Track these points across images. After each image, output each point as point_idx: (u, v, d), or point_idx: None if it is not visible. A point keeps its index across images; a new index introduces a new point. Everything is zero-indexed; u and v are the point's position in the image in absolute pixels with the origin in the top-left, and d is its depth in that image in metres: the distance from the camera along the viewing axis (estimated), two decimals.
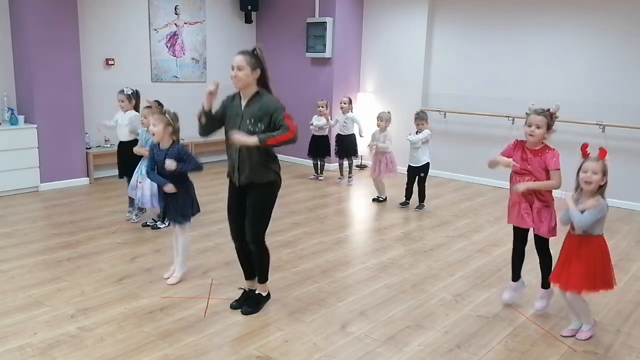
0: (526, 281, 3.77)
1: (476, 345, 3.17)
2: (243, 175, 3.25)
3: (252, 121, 3.16)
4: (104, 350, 2.97)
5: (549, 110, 3.37)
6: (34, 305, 3.50)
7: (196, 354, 2.97)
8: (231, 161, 3.31)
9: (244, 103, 3.23)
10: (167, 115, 3.75)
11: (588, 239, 3.12)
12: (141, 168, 4.93)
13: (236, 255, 3.54)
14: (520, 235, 3.59)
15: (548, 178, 3.35)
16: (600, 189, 3.08)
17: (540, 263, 3.57)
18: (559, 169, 3.31)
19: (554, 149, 3.37)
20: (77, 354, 2.93)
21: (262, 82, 3.27)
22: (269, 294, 3.58)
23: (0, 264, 4.18)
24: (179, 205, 3.82)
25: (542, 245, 3.51)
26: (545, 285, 3.57)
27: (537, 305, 3.59)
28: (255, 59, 3.21)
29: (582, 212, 3.05)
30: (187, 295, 3.72)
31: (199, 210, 3.96)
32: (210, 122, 3.30)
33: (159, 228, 5.09)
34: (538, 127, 3.32)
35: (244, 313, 3.42)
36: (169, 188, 3.76)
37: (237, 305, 3.55)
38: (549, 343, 3.22)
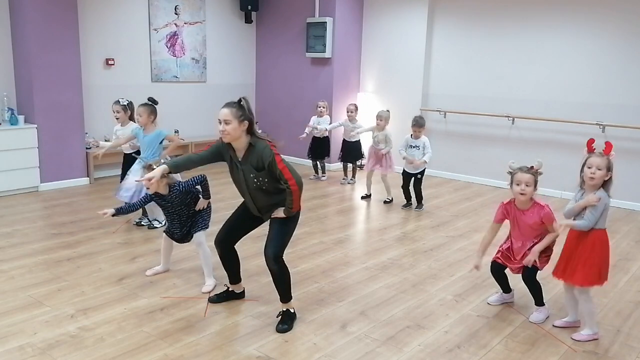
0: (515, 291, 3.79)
1: (476, 345, 3.17)
2: (266, 213, 3.30)
3: (255, 175, 3.15)
4: (104, 350, 2.97)
5: (532, 167, 3.35)
6: (34, 305, 3.50)
7: (196, 354, 2.97)
8: (249, 202, 3.33)
9: (240, 156, 3.19)
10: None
11: (588, 232, 3.13)
12: (135, 164, 4.95)
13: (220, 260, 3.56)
14: (499, 266, 3.60)
15: (538, 233, 3.37)
16: (605, 184, 3.09)
17: (530, 291, 3.52)
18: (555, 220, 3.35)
19: (543, 205, 3.36)
20: (77, 354, 2.93)
21: (251, 130, 3.20)
22: (295, 313, 3.41)
23: (0, 264, 4.18)
24: (202, 218, 3.89)
25: (529, 276, 3.45)
26: (539, 304, 3.54)
27: (535, 317, 3.51)
28: (242, 110, 3.13)
29: (581, 210, 3.09)
30: (187, 295, 3.72)
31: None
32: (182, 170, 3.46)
33: (156, 227, 5.09)
34: (527, 185, 3.31)
35: (279, 331, 3.25)
36: (204, 204, 3.88)
37: (216, 299, 3.61)
38: (549, 343, 3.22)
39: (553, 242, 3.40)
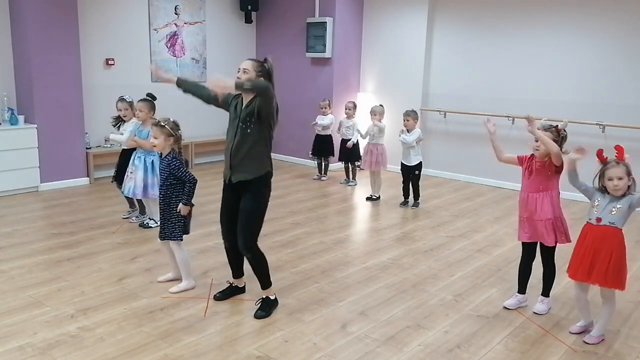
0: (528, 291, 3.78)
1: (476, 345, 3.17)
2: (236, 172, 3.28)
3: (245, 120, 3.21)
4: (104, 350, 2.97)
5: (556, 126, 3.38)
6: (34, 305, 3.50)
7: (196, 354, 2.97)
8: (226, 157, 3.33)
9: (244, 106, 3.28)
10: (166, 126, 3.63)
11: (614, 231, 3.06)
12: (134, 158, 4.95)
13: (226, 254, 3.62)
14: (528, 249, 3.59)
15: (550, 185, 3.40)
16: (629, 189, 3.06)
17: (544, 274, 3.57)
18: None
19: None
20: (77, 354, 2.93)
21: None
22: (276, 299, 3.55)
23: (0, 264, 4.18)
24: (176, 226, 3.68)
25: (548, 256, 3.51)
26: (546, 293, 3.58)
27: (538, 308, 3.58)
28: (262, 67, 3.26)
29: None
30: (187, 295, 3.72)
31: (187, 232, 3.78)
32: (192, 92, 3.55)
33: (150, 227, 5.08)
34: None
35: (257, 317, 3.39)
36: (185, 211, 3.62)
37: (220, 296, 3.64)
38: (549, 343, 3.22)
39: (557, 199, 3.43)
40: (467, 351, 3.10)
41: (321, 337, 3.20)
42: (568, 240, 3.44)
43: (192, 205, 3.69)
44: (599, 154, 3.11)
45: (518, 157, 3.61)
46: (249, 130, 3.21)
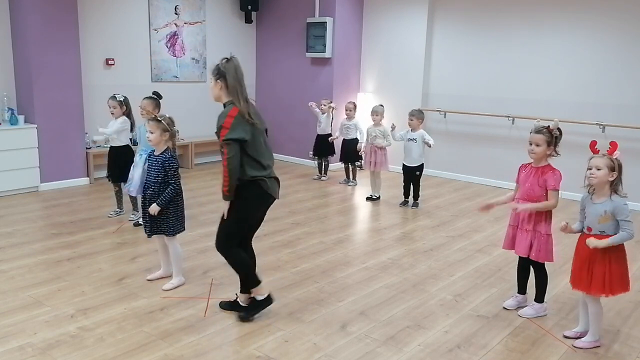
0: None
1: (476, 345, 3.17)
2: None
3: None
4: (104, 350, 2.97)
5: (548, 127, 3.37)
6: (34, 305, 3.50)
7: (196, 354, 2.97)
8: None
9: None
10: (162, 121, 3.66)
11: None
12: (140, 153, 4.95)
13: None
14: (524, 262, 3.60)
15: (541, 198, 3.37)
16: (613, 186, 3.02)
17: (535, 279, 3.55)
18: (557, 190, 3.33)
19: (555, 169, 3.38)
20: (77, 354, 2.93)
21: (230, 92, 3.10)
22: (269, 297, 3.41)
23: (0, 264, 4.18)
24: (168, 218, 3.70)
25: (537, 263, 3.49)
26: (538, 299, 3.55)
27: (524, 311, 3.55)
28: (217, 70, 3.09)
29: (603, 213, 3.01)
30: (187, 295, 3.72)
31: (183, 229, 3.82)
32: None
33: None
34: (537, 145, 3.38)
35: (239, 318, 3.36)
36: (154, 210, 3.61)
37: (224, 306, 3.52)
38: (549, 343, 3.22)
39: (549, 214, 3.39)
40: (467, 351, 3.10)
41: (321, 337, 3.20)
42: (548, 259, 3.41)
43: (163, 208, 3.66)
44: (592, 145, 3.12)
45: (515, 181, 3.58)
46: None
